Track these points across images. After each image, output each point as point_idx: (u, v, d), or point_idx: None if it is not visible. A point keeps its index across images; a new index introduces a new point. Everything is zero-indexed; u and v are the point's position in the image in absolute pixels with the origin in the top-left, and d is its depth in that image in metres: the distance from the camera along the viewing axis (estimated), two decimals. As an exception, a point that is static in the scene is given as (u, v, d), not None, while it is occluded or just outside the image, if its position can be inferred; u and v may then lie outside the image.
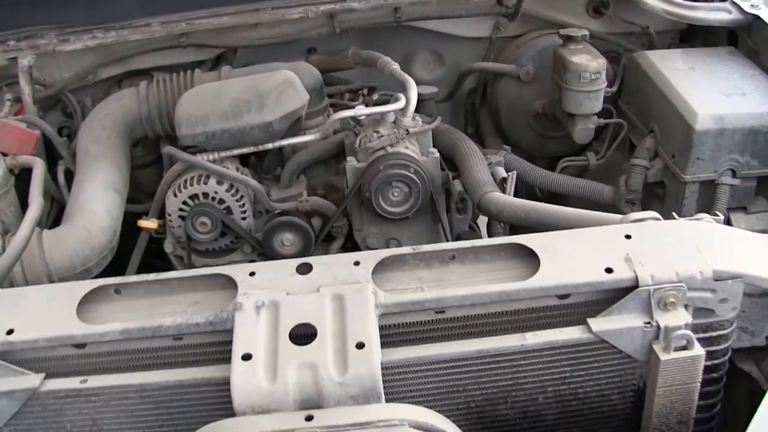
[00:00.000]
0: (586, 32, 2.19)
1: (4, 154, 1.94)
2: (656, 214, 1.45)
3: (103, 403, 1.30)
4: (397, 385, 1.25)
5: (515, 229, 2.03)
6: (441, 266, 1.38)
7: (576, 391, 1.33)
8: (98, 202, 1.84)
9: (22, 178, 1.95)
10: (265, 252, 1.95)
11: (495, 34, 2.48)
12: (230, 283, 1.34)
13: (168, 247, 2.00)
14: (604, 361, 1.30)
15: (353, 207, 2.00)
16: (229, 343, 1.26)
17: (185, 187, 1.92)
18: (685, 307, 1.28)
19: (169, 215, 1.95)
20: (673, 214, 1.47)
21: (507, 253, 1.38)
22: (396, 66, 2.14)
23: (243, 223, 1.95)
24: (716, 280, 1.29)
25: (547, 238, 1.39)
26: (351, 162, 1.94)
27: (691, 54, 2.22)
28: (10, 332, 1.29)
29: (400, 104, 1.95)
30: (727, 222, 2.00)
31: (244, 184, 1.94)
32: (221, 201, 1.92)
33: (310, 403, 1.16)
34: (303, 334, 1.22)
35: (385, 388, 1.19)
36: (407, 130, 1.95)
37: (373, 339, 1.19)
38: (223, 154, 1.94)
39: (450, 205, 2.09)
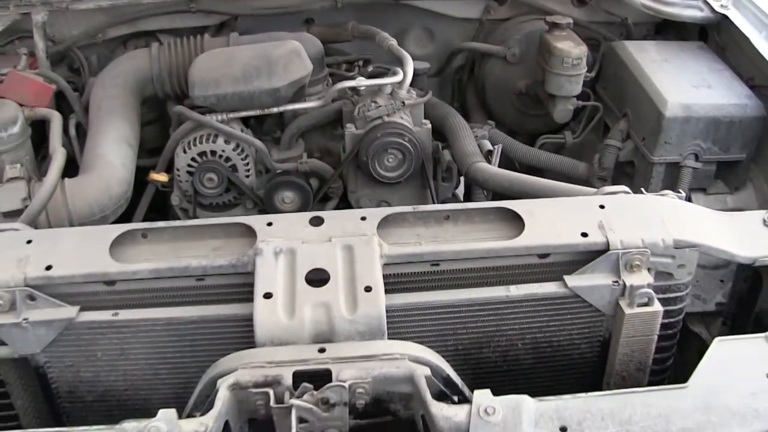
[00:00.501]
0: (570, 20, 2.35)
1: (22, 106, 2.05)
2: (627, 189, 1.63)
3: (132, 334, 1.44)
4: (397, 327, 1.41)
5: (497, 197, 2.20)
6: (436, 225, 1.54)
7: (550, 340, 1.52)
8: (114, 155, 1.97)
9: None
10: (266, 208, 2.10)
11: (485, 16, 2.63)
12: (248, 232, 1.50)
13: (174, 200, 2.14)
14: (576, 313, 1.48)
15: (349, 170, 2.15)
16: (248, 285, 1.42)
17: (195, 145, 2.05)
18: (648, 270, 1.47)
19: (178, 170, 2.08)
20: (642, 189, 1.65)
21: (495, 216, 1.55)
22: (394, 42, 2.28)
23: (246, 181, 2.10)
24: (676, 248, 1.47)
25: (531, 204, 1.57)
26: (350, 128, 2.09)
27: (664, 46, 2.39)
28: (48, 268, 1.43)
29: (398, 78, 2.10)
30: (688, 200, 2.20)
31: (249, 144, 2.08)
32: (227, 159, 2.06)
33: (323, 338, 1.32)
34: (317, 279, 1.38)
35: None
36: (403, 102, 2.10)
37: (379, 284, 1.36)
38: (231, 115, 2.08)
39: (437, 173, 2.26)
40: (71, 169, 2.02)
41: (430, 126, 2.13)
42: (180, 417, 1.21)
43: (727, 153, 2.17)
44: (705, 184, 2.22)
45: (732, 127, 2.11)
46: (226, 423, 1.26)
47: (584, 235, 1.47)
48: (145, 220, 2.17)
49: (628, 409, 1.23)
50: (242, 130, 2.12)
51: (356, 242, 1.42)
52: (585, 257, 1.47)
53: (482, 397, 1.21)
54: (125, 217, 2.08)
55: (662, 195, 1.62)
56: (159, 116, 2.42)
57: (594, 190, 1.75)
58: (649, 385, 1.51)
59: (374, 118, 2.07)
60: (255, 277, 1.38)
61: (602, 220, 1.50)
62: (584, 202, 1.57)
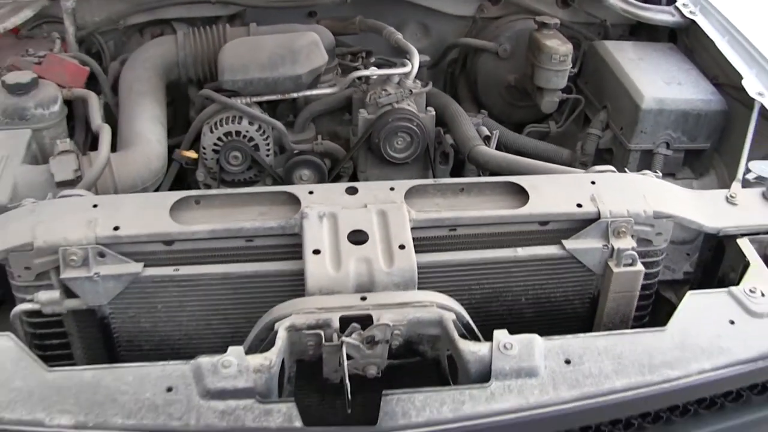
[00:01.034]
0: (558, 21, 2.60)
1: (60, 86, 2.22)
2: (613, 168, 1.90)
3: (190, 288, 1.64)
4: (422, 282, 1.63)
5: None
6: (453, 196, 1.78)
7: (549, 296, 1.77)
8: (150, 133, 2.15)
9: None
10: (285, 184, 2.30)
11: (478, 14, 2.87)
12: (291, 199, 1.71)
13: (200, 175, 2.33)
14: (572, 272, 1.74)
15: (360, 151, 2.38)
16: (291, 245, 1.64)
17: (221, 125, 2.25)
18: (632, 236, 1.73)
19: (204, 148, 2.28)
20: (626, 169, 1.91)
21: (503, 189, 1.80)
22: (400, 36, 2.52)
23: (267, 160, 2.30)
24: (655, 218, 1.74)
25: (534, 179, 1.81)
26: (362, 113, 2.31)
27: (639, 47, 2.67)
28: (116, 228, 1.62)
29: (407, 69, 2.33)
30: (662, 181, 2.48)
31: (270, 126, 2.29)
32: (251, 139, 2.27)
33: (364, 288, 1.54)
34: (356, 240, 1.60)
35: (413, 282, 1.59)
36: (410, 91, 2.33)
37: (411, 243, 1.59)
38: (254, 99, 2.28)
39: (435, 156, 2.49)
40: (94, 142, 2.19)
41: (434, 113, 2.36)
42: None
43: (694, 142, 2.44)
44: (674, 170, 2.48)
45: (699, 119, 2.39)
46: (282, 361, 1.48)
47: (579, 205, 1.72)
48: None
49: (619, 347, 1.48)
50: (262, 113, 2.33)
51: (389, 208, 1.65)
52: (579, 225, 1.72)
53: (501, 335, 1.45)
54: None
55: (643, 174, 1.89)
56: (172, 100, 2.60)
57: (581, 171, 2.01)
58: (630, 336, 1.77)
59: (385, 104, 2.29)
60: (303, 237, 1.60)
61: (594, 194, 1.75)
62: (578, 179, 1.83)
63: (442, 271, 1.67)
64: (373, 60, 2.72)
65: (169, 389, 1.35)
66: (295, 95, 2.30)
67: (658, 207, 1.75)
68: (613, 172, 1.88)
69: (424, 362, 1.58)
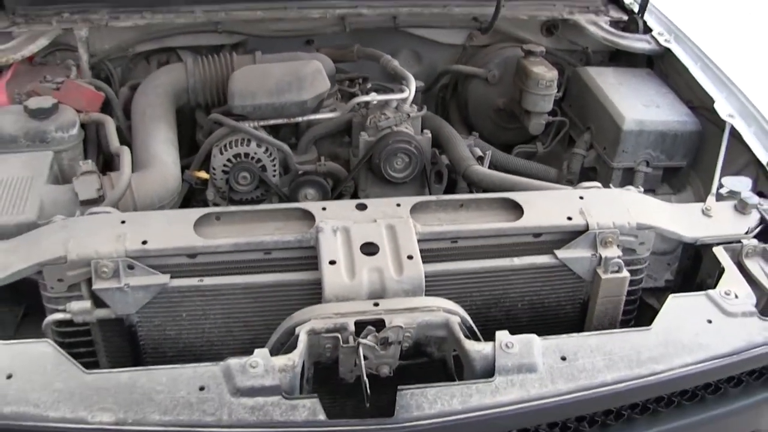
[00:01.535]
0: (543, 49, 2.79)
1: (78, 111, 2.34)
2: (599, 184, 2.06)
3: (213, 297, 1.77)
4: (428, 289, 1.78)
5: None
6: (453, 211, 1.93)
7: (543, 301, 1.92)
8: (166, 155, 2.28)
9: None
10: (291, 203, 2.44)
11: (468, 42, 3.05)
12: (305, 215, 1.85)
13: (210, 195, 2.46)
14: (563, 279, 1.89)
15: (361, 172, 2.52)
16: (306, 257, 1.78)
17: (231, 147, 2.39)
18: (618, 246, 1.89)
19: (214, 169, 2.41)
20: (610, 185, 2.08)
21: (499, 204, 1.95)
22: (396, 63, 2.68)
23: (273, 180, 2.44)
24: (638, 229, 1.90)
25: (527, 195, 1.97)
26: (363, 136, 2.46)
27: (619, 72, 2.85)
28: (144, 242, 1.75)
29: (404, 94, 2.49)
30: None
31: (277, 148, 2.43)
32: (258, 160, 2.41)
33: (376, 295, 1.67)
34: (368, 252, 1.74)
35: (420, 289, 1.73)
36: (408, 114, 2.49)
37: (418, 254, 1.73)
38: (261, 123, 2.42)
39: (431, 176, 2.65)
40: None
41: (430, 135, 2.52)
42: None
43: (671, 160, 2.61)
44: (654, 186, 2.65)
45: (676, 139, 2.56)
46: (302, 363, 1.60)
47: (569, 218, 1.88)
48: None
49: (609, 344, 1.63)
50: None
51: (397, 222, 1.80)
52: (569, 236, 1.88)
53: (502, 335, 1.60)
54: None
55: (627, 189, 2.06)
56: (178, 123, 2.73)
57: (568, 187, 2.17)
58: (618, 338, 1.92)
59: (384, 127, 2.44)
60: (319, 249, 1.73)
61: (582, 208, 1.91)
62: (568, 194, 1.99)
63: (446, 279, 1.82)
64: (369, 86, 2.87)
65: (202, 388, 1.48)
66: (300, 119, 2.45)
67: (641, 219, 1.92)
68: (600, 188, 2.05)
69: (430, 363, 1.72)
